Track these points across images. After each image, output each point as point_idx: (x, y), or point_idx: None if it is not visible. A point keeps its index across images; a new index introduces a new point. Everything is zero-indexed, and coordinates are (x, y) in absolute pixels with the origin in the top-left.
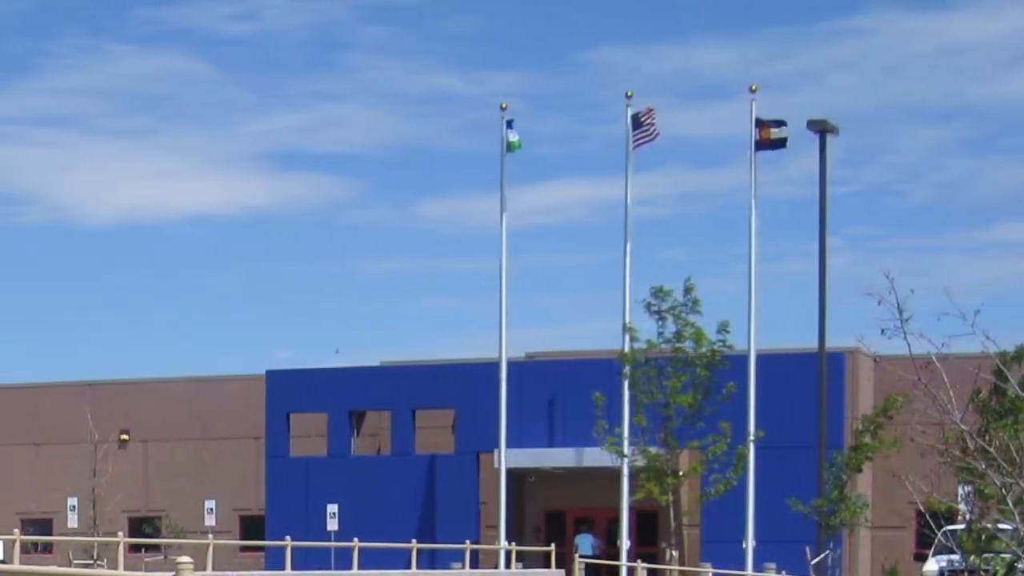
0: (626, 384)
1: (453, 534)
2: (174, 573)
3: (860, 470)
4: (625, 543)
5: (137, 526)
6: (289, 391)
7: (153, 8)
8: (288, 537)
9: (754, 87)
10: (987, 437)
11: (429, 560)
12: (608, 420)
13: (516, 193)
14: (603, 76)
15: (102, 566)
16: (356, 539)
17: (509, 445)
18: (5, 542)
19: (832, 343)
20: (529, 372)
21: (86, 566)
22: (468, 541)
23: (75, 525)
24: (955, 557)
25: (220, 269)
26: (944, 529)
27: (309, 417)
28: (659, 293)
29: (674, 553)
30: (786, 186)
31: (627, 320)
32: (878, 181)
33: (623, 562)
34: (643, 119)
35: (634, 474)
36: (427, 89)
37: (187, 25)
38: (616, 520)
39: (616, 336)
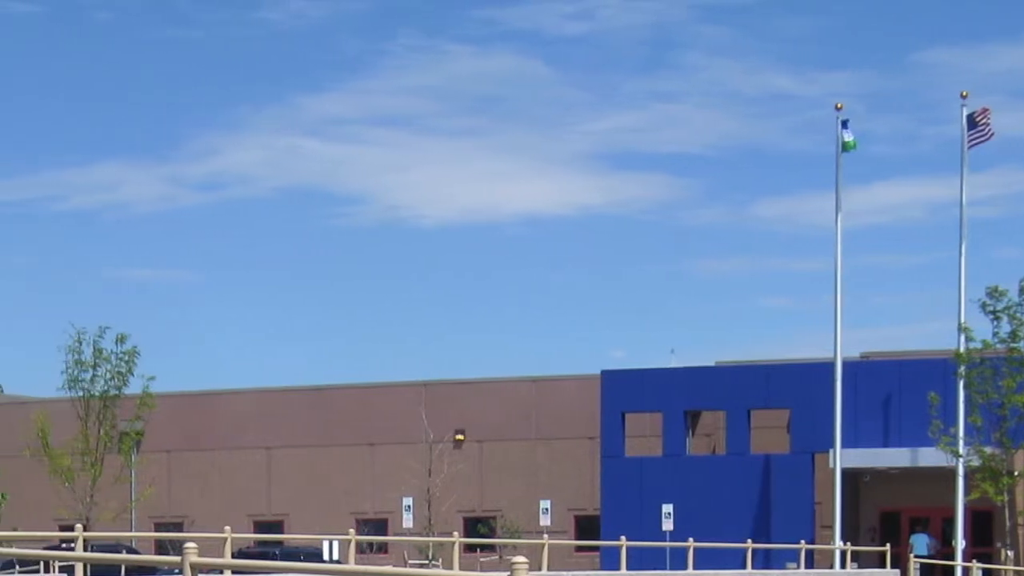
0: (961, 384)
1: (788, 534)
2: (509, 573)
3: None
4: (960, 543)
5: (472, 526)
6: (624, 391)
7: (490, 8)
8: (623, 537)
9: None
10: None
11: (764, 560)
12: (943, 420)
13: (851, 193)
14: (938, 76)
15: (437, 566)
16: (691, 539)
17: (844, 445)
18: (340, 542)
19: None
20: (864, 372)
21: (421, 566)
22: (803, 541)
23: (410, 525)
24: None
25: (555, 269)
26: None
27: (644, 417)
28: (994, 293)
29: (1009, 553)
30: None
31: (962, 320)
32: None
33: (958, 562)
34: (978, 119)
35: (969, 474)
36: (762, 89)
37: (524, 25)
38: (951, 520)
39: (951, 336)
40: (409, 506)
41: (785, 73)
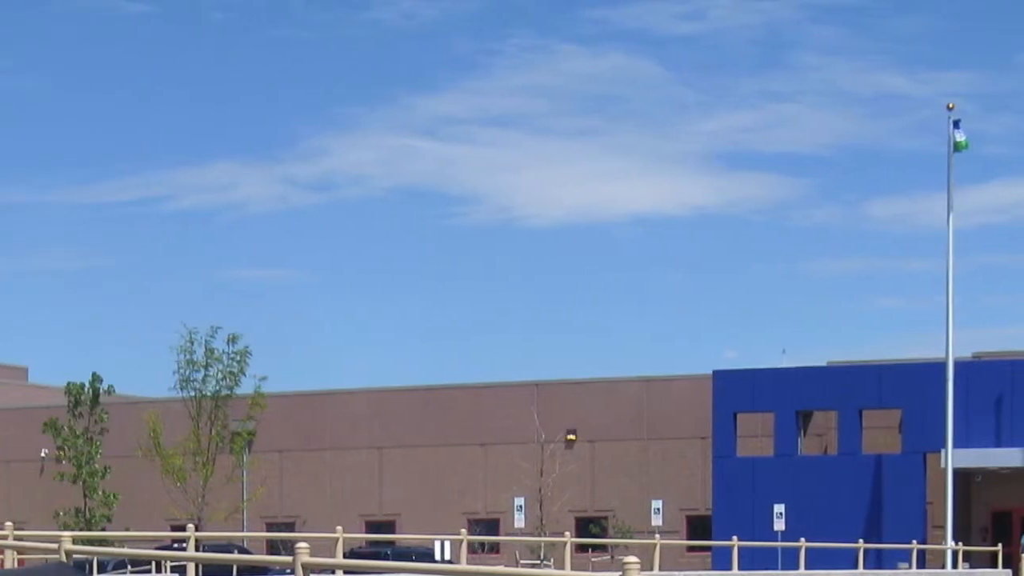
0: None
1: (900, 534)
2: (620, 573)
3: None
4: None
5: (584, 526)
6: (736, 391)
7: (602, 8)
8: (735, 537)
9: None
10: None
11: (876, 560)
12: None
13: (964, 193)
14: None
15: (549, 566)
16: (802, 539)
17: (956, 445)
18: (452, 542)
19: None
20: (976, 372)
21: (533, 566)
22: (915, 541)
23: (521, 525)
24: None
25: (667, 269)
26: None
27: (756, 417)
28: None
29: None
30: None
31: None
32: None
33: None
34: None
35: None
36: (875, 89)
37: (636, 25)
38: None
39: None
40: (521, 506)
41: (898, 73)
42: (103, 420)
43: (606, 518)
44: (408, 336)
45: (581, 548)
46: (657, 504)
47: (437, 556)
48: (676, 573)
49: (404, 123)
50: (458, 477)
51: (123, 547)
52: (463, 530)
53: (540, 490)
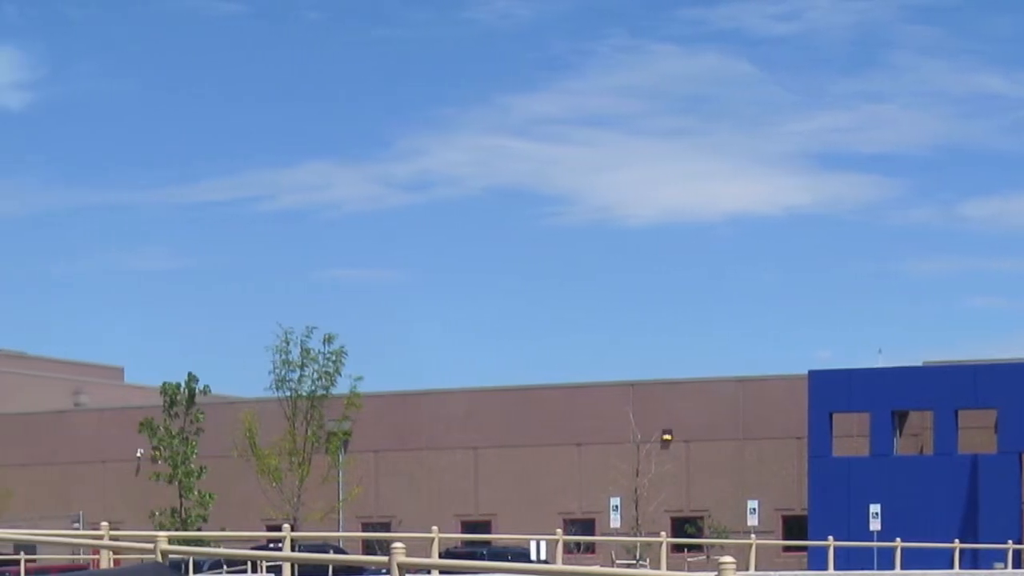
0: None
1: (995, 534)
2: (716, 573)
3: None
4: None
5: (679, 526)
6: (831, 391)
7: (697, 8)
8: (831, 537)
9: None
10: None
11: (971, 560)
12: None
13: None
14: None
15: (644, 566)
16: (898, 539)
17: None
18: (548, 542)
19: None
20: None
21: (628, 566)
22: (1011, 541)
23: (617, 525)
24: None
25: (761, 269)
26: None
27: (851, 417)
28: None
29: None
30: None
31: None
32: None
33: None
34: None
35: None
36: (970, 89)
37: (731, 25)
38: None
39: None
40: (616, 506)
41: (993, 73)
42: (199, 420)
43: (701, 518)
44: (504, 336)
45: (677, 548)
46: (753, 504)
47: (533, 556)
48: (772, 573)
49: (499, 123)
50: (554, 477)
51: (219, 547)
52: (558, 530)
53: (636, 490)
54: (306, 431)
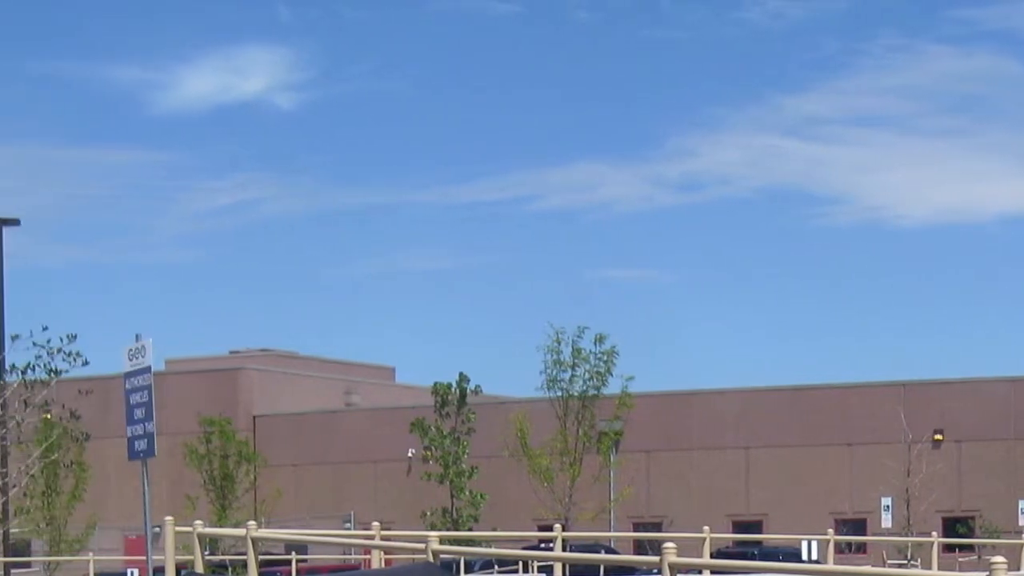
0: None
1: None
2: (987, 573)
3: None
4: None
5: (950, 526)
6: None
7: (970, 8)
8: None
9: None
10: None
11: None
12: None
13: None
14: None
15: (915, 566)
16: None
17: None
18: (819, 542)
19: None
20: None
21: (899, 566)
22: None
23: (888, 525)
24: None
25: None
26: None
27: None
28: None
29: None
30: None
31: None
32: None
33: None
34: None
35: None
36: None
37: (1003, 25)
38: None
39: None
40: (888, 506)
41: None
42: (470, 420)
43: (973, 518)
44: (774, 336)
45: (948, 548)
46: None
47: (804, 556)
48: None
49: (771, 123)
50: (825, 477)
51: (490, 547)
52: (830, 530)
53: (907, 490)
54: (577, 431)
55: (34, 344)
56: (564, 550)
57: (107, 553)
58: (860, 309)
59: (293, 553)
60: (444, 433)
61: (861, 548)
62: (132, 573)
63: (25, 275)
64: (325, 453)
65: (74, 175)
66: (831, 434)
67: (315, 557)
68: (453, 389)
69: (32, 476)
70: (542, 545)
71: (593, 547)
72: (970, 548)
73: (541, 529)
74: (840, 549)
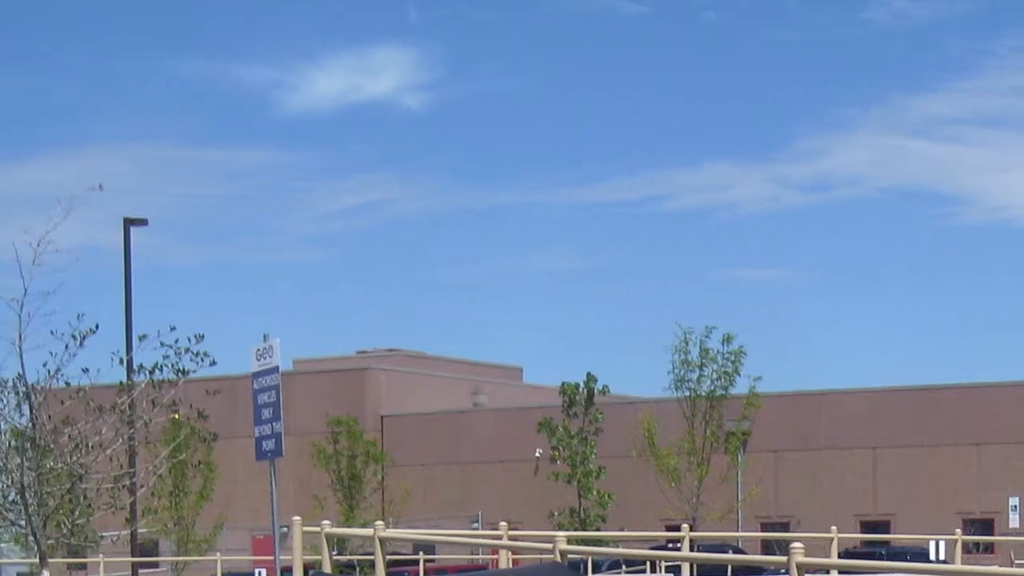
0: None
1: None
2: None
3: None
4: None
5: None
6: None
7: None
8: None
9: None
10: None
11: None
12: None
13: None
14: None
15: None
16: None
17: None
18: (947, 542)
19: None
20: None
21: None
22: None
23: (1016, 525)
24: None
25: None
26: None
27: None
28: None
29: None
30: None
31: None
32: None
33: None
34: None
35: None
36: None
37: None
38: None
39: None
40: (1016, 506)
41: None
42: (598, 420)
43: None
44: (901, 336)
45: None
46: None
47: (932, 556)
48: None
49: (897, 123)
50: (953, 477)
51: (617, 547)
52: (957, 530)
53: None
54: (705, 431)
55: (161, 344)
56: (692, 550)
57: (234, 553)
58: (988, 308)
59: (421, 553)
60: (571, 433)
61: (989, 548)
62: (260, 573)
63: (153, 275)
64: (453, 453)
65: (202, 175)
66: (959, 434)
67: (443, 557)
68: (581, 389)
69: (160, 476)
70: (669, 545)
71: (721, 547)
72: None
73: (668, 529)
74: (968, 549)
